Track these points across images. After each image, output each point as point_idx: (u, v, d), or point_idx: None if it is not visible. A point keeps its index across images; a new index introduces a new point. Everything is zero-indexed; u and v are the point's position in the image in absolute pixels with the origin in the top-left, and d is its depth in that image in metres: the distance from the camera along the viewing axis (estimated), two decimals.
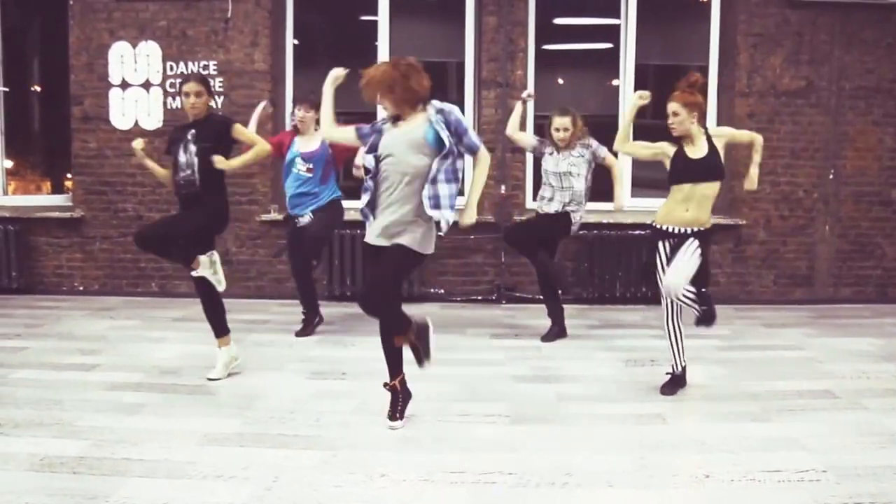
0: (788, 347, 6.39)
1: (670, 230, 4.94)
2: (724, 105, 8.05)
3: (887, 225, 8.05)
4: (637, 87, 8.01)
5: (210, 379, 5.20)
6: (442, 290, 7.95)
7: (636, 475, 3.83)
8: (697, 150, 4.90)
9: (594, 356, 6.04)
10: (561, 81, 8.65)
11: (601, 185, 6.67)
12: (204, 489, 3.61)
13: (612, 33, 8.22)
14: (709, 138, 4.93)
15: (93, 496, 3.49)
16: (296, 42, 8.12)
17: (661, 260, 4.95)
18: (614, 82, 8.25)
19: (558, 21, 8.27)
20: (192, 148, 5.05)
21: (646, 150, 5.11)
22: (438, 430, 4.43)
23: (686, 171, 4.89)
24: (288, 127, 7.23)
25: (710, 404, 4.90)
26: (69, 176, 8.19)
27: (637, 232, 7.64)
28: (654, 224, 5.03)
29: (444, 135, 4.14)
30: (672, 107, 4.85)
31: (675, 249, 4.90)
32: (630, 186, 8.16)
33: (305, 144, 6.41)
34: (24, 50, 8.63)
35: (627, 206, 7.92)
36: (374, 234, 4.31)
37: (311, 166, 6.33)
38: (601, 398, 5.01)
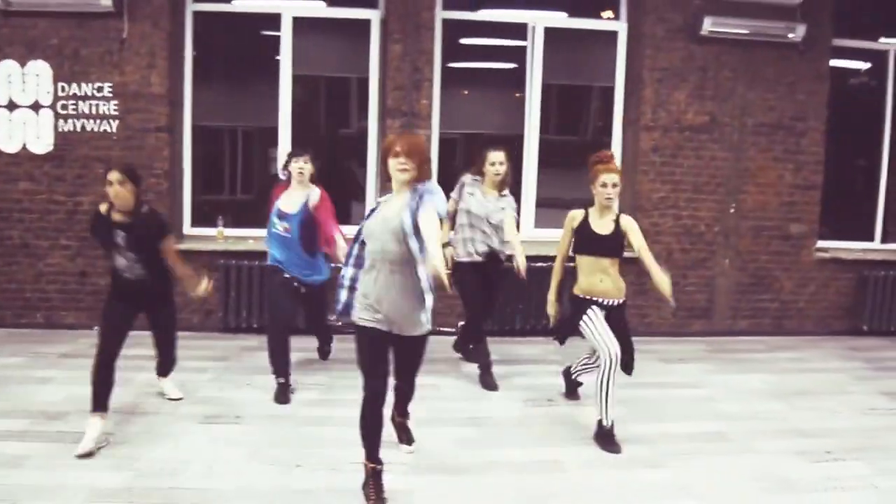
0: (685, 385, 6.48)
1: (600, 301, 5.06)
2: (629, 138, 8.08)
3: (785, 259, 8.20)
4: (543, 105, 8.05)
5: None
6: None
7: None
8: (604, 227, 5.03)
9: (492, 395, 5.97)
10: (466, 93, 8.51)
11: None
12: None
13: (518, 53, 8.15)
14: (617, 219, 5.01)
15: None
16: (195, 54, 7.82)
17: (594, 325, 4.97)
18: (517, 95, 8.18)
19: (463, 41, 8.16)
20: (131, 255, 4.85)
21: (566, 238, 5.21)
22: (334, 481, 4.30)
23: (590, 244, 5.04)
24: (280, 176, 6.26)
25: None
26: None
27: (539, 264, 7.31)
28: (578, 295, 5.10)
29: (408, 222, 3.85)
30: (613, 178, 4.94)
31: (607, 318, 5.04)
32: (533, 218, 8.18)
33: (289, 202, 5.87)
34: None
35: (528, 237, 7.90)
36: (382, 323, 4.04)
37: (287, 226, 5.81)
38: (498, 443, 4.95)
